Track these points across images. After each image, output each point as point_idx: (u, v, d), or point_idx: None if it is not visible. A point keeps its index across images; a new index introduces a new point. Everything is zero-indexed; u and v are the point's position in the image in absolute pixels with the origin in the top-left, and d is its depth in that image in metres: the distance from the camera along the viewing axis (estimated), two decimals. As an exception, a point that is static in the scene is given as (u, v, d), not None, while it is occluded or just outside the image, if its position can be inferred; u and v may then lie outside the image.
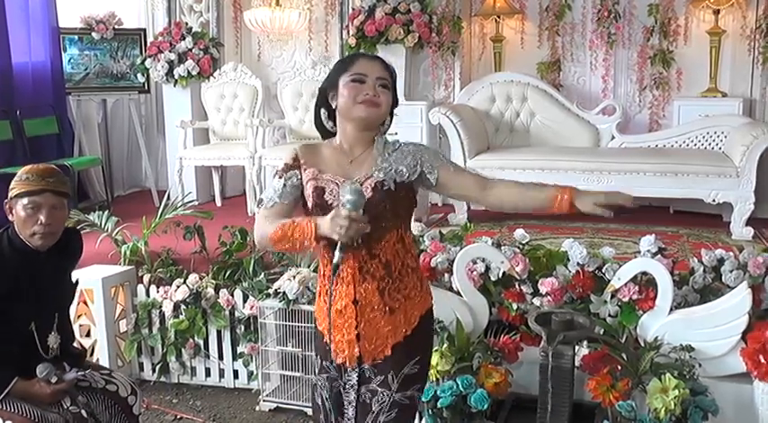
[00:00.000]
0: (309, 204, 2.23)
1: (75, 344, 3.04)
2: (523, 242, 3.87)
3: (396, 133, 2.37)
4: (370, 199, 2.12)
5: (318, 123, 2.32)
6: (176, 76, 6.67)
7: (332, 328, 2.25)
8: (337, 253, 2.04)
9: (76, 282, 2.96)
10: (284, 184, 2.23)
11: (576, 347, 3.22)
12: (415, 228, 4.04)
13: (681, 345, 3.20)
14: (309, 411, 3.91)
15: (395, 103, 2.29)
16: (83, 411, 2.68)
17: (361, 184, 2.15)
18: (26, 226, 2.64)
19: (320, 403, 2.35)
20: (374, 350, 2.24)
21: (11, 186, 2.67)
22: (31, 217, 2.63)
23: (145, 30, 7.30)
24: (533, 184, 2.29)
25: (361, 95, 2.16)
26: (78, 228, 4.51)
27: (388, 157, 2.21)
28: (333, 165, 2.23)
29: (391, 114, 2.31)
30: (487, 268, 3.72)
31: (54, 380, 2.66)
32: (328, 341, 2.29)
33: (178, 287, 4.26)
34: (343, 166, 2.23)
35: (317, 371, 2.37)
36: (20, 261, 2.67)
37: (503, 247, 3.73)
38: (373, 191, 2.15)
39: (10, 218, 2.69)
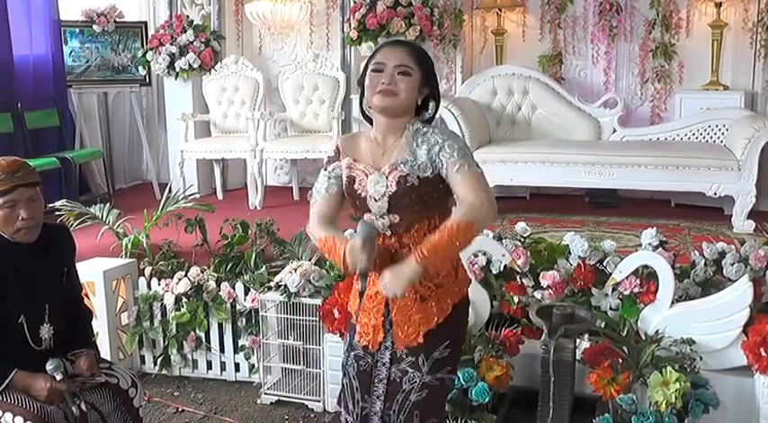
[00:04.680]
0: (345, 191, 2.31)
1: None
2: (525, 235, 3.87)
3: None
4: (394, 193, 2.19)
5: (363, 113, 2.35)
6: (177, 69, 6.67)
7: (360, 310, 2.30)
8: (360, 281, 2.17)
9: (69, 273, 2.96)
10: (328, 177, 2.33)
11: (577, 341, 3.23)
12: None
13: (682, 338, 3.20)
14: (310, 404, 3.94)
15: (434, 88, 2.29)
16: (83, 404, 2.68)
17: (387, 177, 2.20)
18: (8, 224, 2.66)
19: (346, 381, 2.38)
20: (406, 338, 2.28)
21: None
22: (11, 215, 2.64)
23: (146, 23, 7.30)
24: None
25: (379, 85, 2.19)
26: (79, 221, 4.55)
27: (416, 148, 2.21)
28: (367, 154, 2.28)
29: (436, 100, 2.31)
30: (489, 261, 3.72)
31: (59, 378, 2.66)
32: (355, 322, 2.34)
33: (179, 280, 4.27)
34: (376, 155, 2.26)
35: (346, 348, 2.39)
36: (3, 254, 2.67)
37: (504, 241, 3.73)
38: (397, 185, 2.19)
39: None
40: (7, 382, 2.61)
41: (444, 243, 2.09)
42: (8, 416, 2.56)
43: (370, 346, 2.33)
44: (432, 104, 2.30)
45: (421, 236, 2.22)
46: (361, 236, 2.10)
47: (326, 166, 2.35)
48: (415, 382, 2.28)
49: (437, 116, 2.38)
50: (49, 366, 2.66)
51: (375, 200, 2.21)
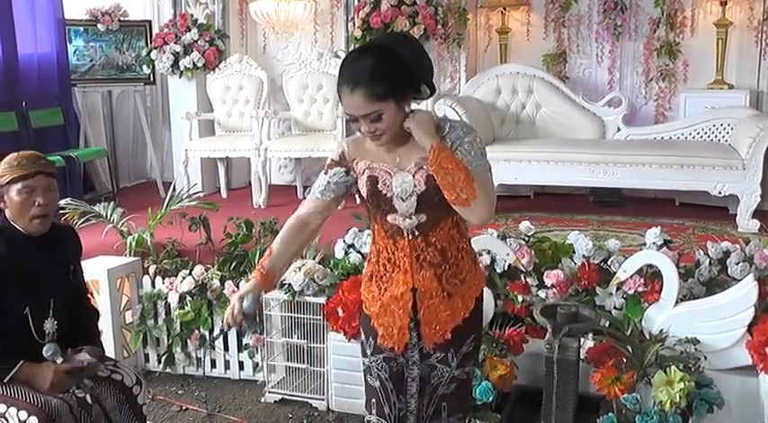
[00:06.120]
0: (364, 193, 2.23)
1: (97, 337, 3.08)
2: (529, 234, 3.87)
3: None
4: (423, 191, 2.15)
5: None
6: (182, 68, 6.68)
7: (382, 312, 2.29)
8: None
9: (75, 271, 2.98)
10: (328, 182, 2.25)
11: (582, 340, 3.22)
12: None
13: (686, 337, 3.20)
14: (314, 403, 3.94)
15: (416, 83, 2.14)
16: (87, 397, 2.69)
17: (413, 176, 2.16)
18: (23, 211, 2.68)
19: (378, 386, 2.34)
20: (434, 334, 2.28)
21: (0, 175, 2.71)
22: (27, 200, 2.68)
23: (150, 21, 7.31)
24: None
25: (362, 131, 2.14)
26: (84, 219, 4.55)
27: None
28: (382, 155, 2.21)
29: (427, 83, 2.17)
30: (493, 260, 3.72)
31: (60, 360, 2.68)
32: (375, 325, 2.32)
33: (183, 278, 4.27)
34: (391, 157, 2.21)
35: (369, 352, 2.36)
36: (11, 247, 2.70)
37: (508, 240, 3.73)
38: (426, 183, 2.15)
39: (1, 206, 2.73)
40: (14, 372, 2.62)
41: (457, 162, 2.07)
42: (12, 410, 2.57)
43: (396, 348, 2.30)
44: (423, 87, 2.17)
45: (446, 234, 2.22)
46: (246, 309, 2.19)
47: (327, 170, 2.27)
48: (444, 376, 2.30)
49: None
50: (46, 352, 2.68)
51: (402, 200, 2.17)
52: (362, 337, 2.40)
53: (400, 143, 2.19)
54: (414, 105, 2.20)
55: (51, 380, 2.64)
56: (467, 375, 2.34)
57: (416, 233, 2.21)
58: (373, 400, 2.36)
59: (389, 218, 2.21)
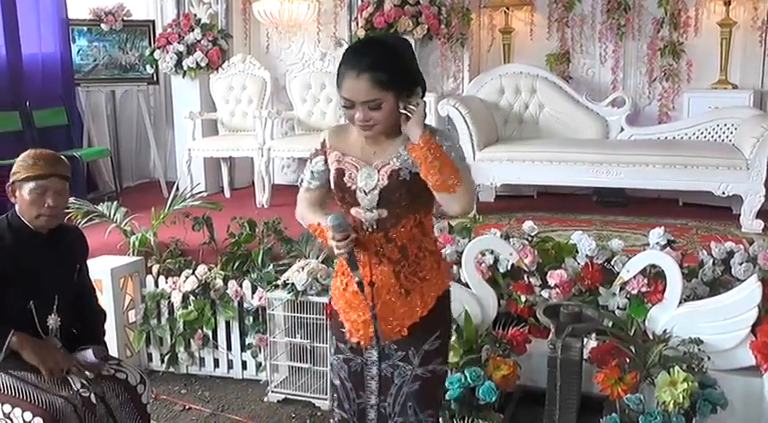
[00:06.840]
0: (332, 184, 2.28)
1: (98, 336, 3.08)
2: (532, 234, 3.87)
3: None
4: (385, 187, 2.18)
5: None
6: (185, 68, 6.67)
7: (347, 308, 2.33)
8: (352, 272, 2.20)
9: (81, 271, 3.00)
10: (311, 171, 2.32)
11: (585, 340, 3.22)
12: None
13: (689, 338, 3.19)
14: (317, 402, 3.94)
15: (414, 83, 2.15)
16: (92, 396, 2.69)
17: (378, 171, 2.20)
18: (31, 209, 2.72)
19: (338, 384, 2.41)
20: (391, 330, 2.30)
21: (14, 170, 2.75)
22: (38, 201, 2.71)
23: (154, 21, 7.32)
24: None
25: (355, 120, 2.15)
26: (87, 218, 4.56)
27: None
28: (357, 149, 2.25)
29: (422, 86, 2.18)
30: (496, 260, 3.72)
31: (61, 351, 2.74)
32: (343, 321, 2.36)
33: (187, 278, 4.27)
34: (367, 151, 2.24)
35: (332, 351, 2.43)
36: (18, 242, 2.74)
37: (511, 239, 3.73)
38: (389, 178, 2.18)
39: (12, 200, 2.77)
40: (7, 343, 2.64)
41: (443, 152, 2.10)
42: (17, 411, 2.57)
43: (362, 342, 2.33)
44: (418, 89, 2.18)
45: (408, 232, 2.24)
46: (330, 228, 2.16)
47: (311, 158, 2.34)
48: (407, 375, 2.31)
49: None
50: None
51: (365, 193, 2.21)
52: (330, 333, 2.48)
53: (382, 139, 2.21)
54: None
55: (43, 352, 2.67)
56: (431, 373, 2.32)
57: (377, 228, 2.23)
58: (335, 395, 2.44)
59: (353, 211, 2.25)
